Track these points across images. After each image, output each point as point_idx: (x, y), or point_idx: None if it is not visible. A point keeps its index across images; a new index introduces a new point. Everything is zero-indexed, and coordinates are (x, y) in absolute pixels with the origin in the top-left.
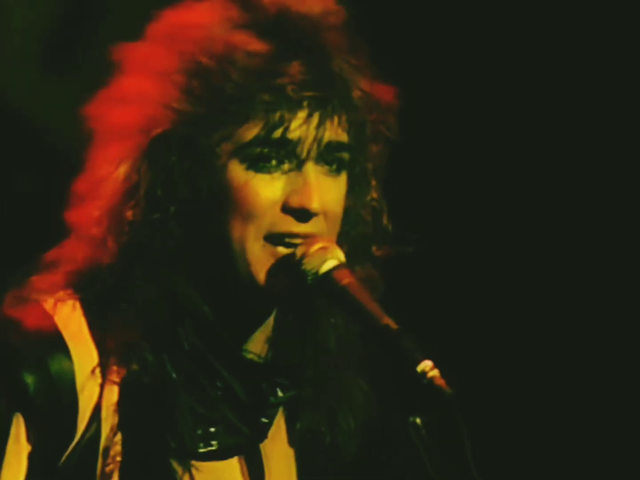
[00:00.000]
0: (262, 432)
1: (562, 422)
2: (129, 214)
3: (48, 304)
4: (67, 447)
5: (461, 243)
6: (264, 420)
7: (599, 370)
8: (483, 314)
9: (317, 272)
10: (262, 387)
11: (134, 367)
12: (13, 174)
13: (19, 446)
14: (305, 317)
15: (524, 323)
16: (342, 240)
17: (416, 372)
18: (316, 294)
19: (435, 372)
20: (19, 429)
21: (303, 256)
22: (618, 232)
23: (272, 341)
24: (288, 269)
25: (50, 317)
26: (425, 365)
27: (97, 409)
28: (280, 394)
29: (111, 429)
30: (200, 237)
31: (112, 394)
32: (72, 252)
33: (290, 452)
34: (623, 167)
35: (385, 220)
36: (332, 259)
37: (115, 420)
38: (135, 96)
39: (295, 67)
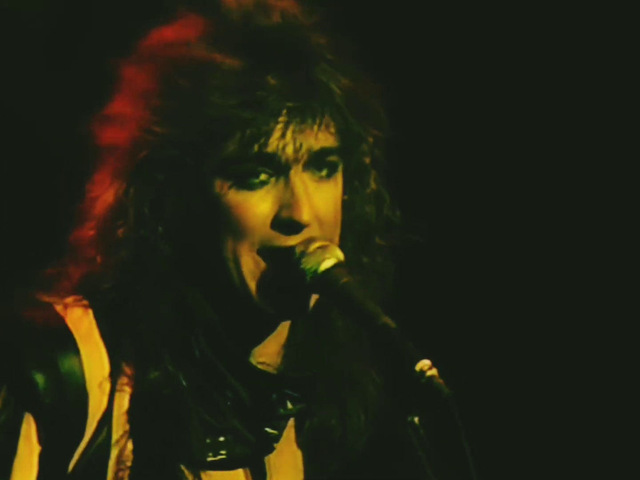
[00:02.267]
0: (269, 443)
1: (561, 421)
2: (119, 232)
3: (59, 306)
4: (75, 448)
5: (460, 240)
6: (272, 431)
7: (597, 369)
8: (481, 312)
9: (315, 271)
10: (272, 398)
11: (149, 375)
12: (13, 176)
13: (30, 446)
14: (315, 323)
15: (522, 321)
16: (347, 234)
17: (414, 371)
18: (315, 292)
19: (433, 371)
20: (29, 428)
21: (302, 255)
22: (615, 227)
23: (285, 352)
24: (286, 268)
25: (61, 319)
26: (424, 364)
27: (108, 415)
28: (290, 406)
29: (122, 436)
30: (194, 253)
31: (123, 401)
32: (72, 271)
33: (298, 462)
34: (620, 165)
35: (387, 210)
36: (331, 257)
37: (127, 427)
38: (121, 118)
39: (270, 80)
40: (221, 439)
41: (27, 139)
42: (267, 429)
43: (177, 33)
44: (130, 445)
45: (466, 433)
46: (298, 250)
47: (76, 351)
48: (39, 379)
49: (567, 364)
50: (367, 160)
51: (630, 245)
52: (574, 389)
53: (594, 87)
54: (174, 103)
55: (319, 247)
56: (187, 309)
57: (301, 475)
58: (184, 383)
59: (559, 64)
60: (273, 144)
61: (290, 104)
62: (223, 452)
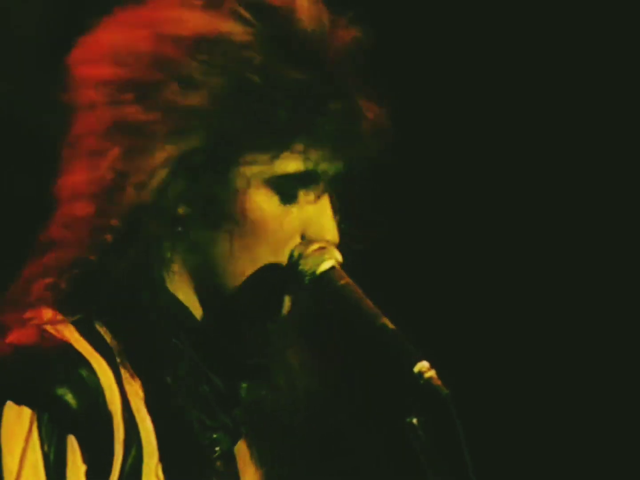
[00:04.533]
0: (239, 427)
1: (560, 422)
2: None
3: (47, 326)
4: (111, 459)
5: (458, 241)
6: (237, 412)
7: (596, 369)
8: (479, 313)
9: (314, 273)
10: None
11: (156, 386)
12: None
13: (76, 468)
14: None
15: (521, 322)
16: None
17: (413, 372)
18: (313, 294)
19: (432, 373)
20: (74, 451)
21: (300, 257)
22: (613, 223)
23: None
24: (284, 270)
25: (56, 337)
26: (422, 365)
27: (132, 430)
28: (243, 384)
29: (152, 454)
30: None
31: (143, 415)
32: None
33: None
34: (615, 163)
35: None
36: (330, 259)
37: (154, 443)
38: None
39: (337, 105)
40: (215, 435)
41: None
42: (235, 410)
43: (234, 31)
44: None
45: (464, 434)
46: (296, 252)
47: (87, 364)
48: (71, 398)
49: (564, 363)
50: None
51: (628, 241)
52: (571, 388)
53: (590, 88)
54: (247, 98)
55: (317, 249)
56: (168, 311)
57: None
58: (182, 389)
59: (555, 66)
60: (320, 164)
61: (343, 133)
62: (217, 448)
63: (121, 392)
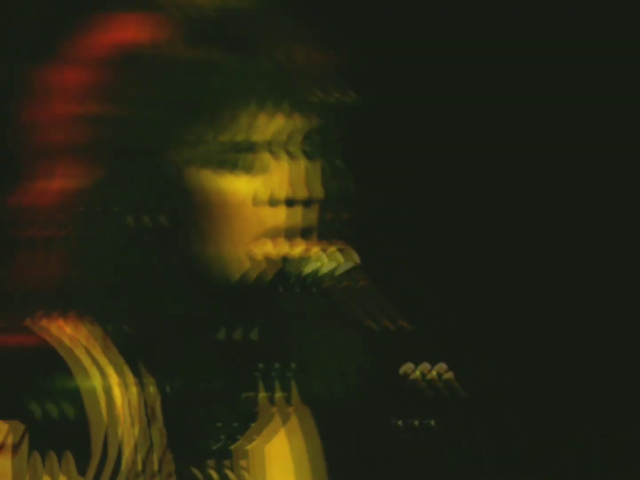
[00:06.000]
0: (252, 410)
1: (565, 423)
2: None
3: (30, 323)
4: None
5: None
6: (249, 395)
7: (596, 371)
8: (486, 316)
9: (332, 274)
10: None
11: (152, 387)
12: None
13: None
14: None
15: (525, 326)
16: None
17: (420, 373)
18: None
19: (449, 375)
20: (68, 465)
21: (318, 258)
22: (612, 222)
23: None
24: (295, 271)
25: (36, 335)
26: (425, 367)
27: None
28: (260, 365)
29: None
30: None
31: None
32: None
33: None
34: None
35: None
36: (348, 260)
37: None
38: None
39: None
40: (219, 424)
41: None
42: (245, 394)
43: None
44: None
45: (470, 435)
46: (314, 254)
47: (67, 370)
48: (42, 411)
49: (568, 368)
50: None
51: (626, 238)
52: (577, 392)
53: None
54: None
55: (334, 251)
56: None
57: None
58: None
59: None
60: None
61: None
62: (222, 437)
63: (109, 397)
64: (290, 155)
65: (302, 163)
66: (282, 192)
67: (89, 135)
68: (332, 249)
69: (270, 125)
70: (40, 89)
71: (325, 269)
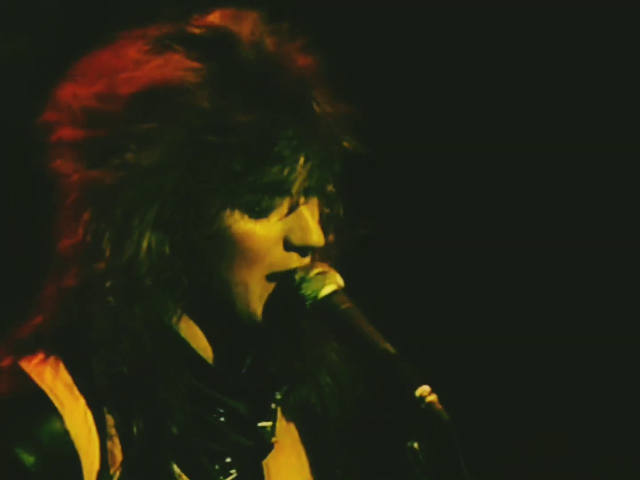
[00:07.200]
0: (268, 439)
1: (562, 446)
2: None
3: (25, 365)
4: None
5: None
6: (267, 423)
7: (595, 375)
8: (480, 330)
9: (316, 297)
10: (265, 398)
11: (140, 421)
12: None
13: None
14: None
15: (522, 344)
16: None
17: (414, 396)
18: (314, 318)
19: (433, 397)
20: None
21: (302, 281)
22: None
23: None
24: (286, 294)
25: (32, 382)
26: (423, 390)
27: (105, 469)
28: (278, 396)
29: None
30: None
31: (116, 452)
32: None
33: (300, 459)
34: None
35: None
36: (331, 284)
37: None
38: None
39: (289, 133)
40: (228, 460)
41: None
42: (261, 424)
43: (178, 75)
44: None
45: (465, 458)
46: (298, 276)
47: (57, 414)
48: (28, 459)
49: (564, 379)
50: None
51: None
52: (572, 408)
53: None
54: (204, 160)
55: (318, 273)
56: (171, 344)
57: (306, 470)
58: (180, 421)
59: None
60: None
61: (303, 156)
62: (233, 471)
63: (100, 434)
64: (308, 198)
65: (317, 206)
66: (309, 236)
67: None
68: (316, 271)
69: (299, 171)
70: None
71: (309, 291)
